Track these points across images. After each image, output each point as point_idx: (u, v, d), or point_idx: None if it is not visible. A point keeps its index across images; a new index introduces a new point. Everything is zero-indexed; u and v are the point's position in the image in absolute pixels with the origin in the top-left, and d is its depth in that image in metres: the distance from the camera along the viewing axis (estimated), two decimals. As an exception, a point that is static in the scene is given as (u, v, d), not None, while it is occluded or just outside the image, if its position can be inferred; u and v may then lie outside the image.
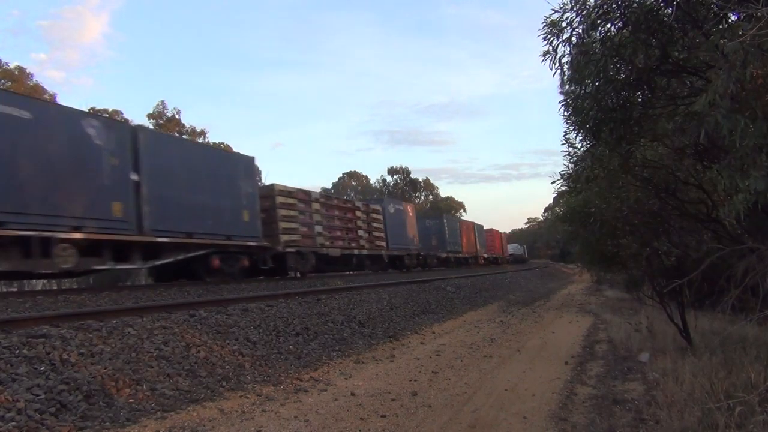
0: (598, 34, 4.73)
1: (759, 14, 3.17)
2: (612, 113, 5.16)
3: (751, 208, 3.63)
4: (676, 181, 6.95)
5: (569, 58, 4.89)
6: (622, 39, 4.64)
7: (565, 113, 5.79)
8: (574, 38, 4.75)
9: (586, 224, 9.90)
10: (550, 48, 4.87)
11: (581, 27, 4.65)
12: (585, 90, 5.15)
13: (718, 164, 3.85)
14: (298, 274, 16.75)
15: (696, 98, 3.66)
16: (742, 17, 3.85)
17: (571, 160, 6.73)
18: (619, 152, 5.52)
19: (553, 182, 7.11)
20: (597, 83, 4.99)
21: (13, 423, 3.89)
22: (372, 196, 67.50)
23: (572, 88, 5.39)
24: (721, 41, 3.74)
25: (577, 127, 5.82)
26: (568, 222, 12.09)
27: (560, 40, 4.80)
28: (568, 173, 6.95)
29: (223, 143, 47.03)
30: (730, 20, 4.19)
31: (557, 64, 4.93)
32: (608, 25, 4.71)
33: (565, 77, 5.13)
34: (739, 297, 5.28)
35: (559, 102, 5.72)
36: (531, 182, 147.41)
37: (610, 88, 4.98)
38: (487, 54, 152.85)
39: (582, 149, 6.37)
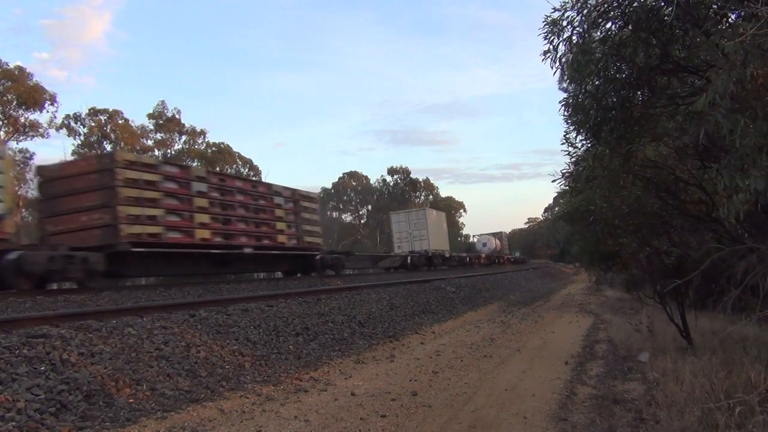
0: (598, 33, 4.73)
1: (759, 13, 3.17)
2: (612, 112, 5.15)
3: (752, 208, 3.63)
4: (677, 181, 6.94)
5: (570, 57, 4.88)
6: (622, 38, 4.63)
7: (566, 113, 5.78)
8: (574, 37, 4.74)
9: (587, 224, 9.88)
10: (551, 47, 4.86)
11: (582, 26, 4.64)
12: (585, 89, 5.14)
13: (718, 164, 3.85)
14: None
15: (696, 98, 3.66)
16: (742, 15, 3.85)
17: (572, 160, 6.71)
18: (620, 152, 5.50)
19: (553, 180, 7.09)
20: (597, 82, 4.98)
21: (13, 423, 3.89)
22: (372, 197, 67.56)
23: (573, 87, 5.38)
24: (722, 41, 3.74)
25: (577, 127, 5.80)
26: (569, 222, 12.07)
27: (561, 39, 4.79)
28: (569, 172, 6.93)
29: (223, 143, 47.16)
30: (730, 20, 4.19)
31: (558, 63, 4.92)
32: (609, 24, 4.71)
33: (566, 76, 5.13)
34: (740, 297, 5.27)
35: (560, 102, 5.71)
36: (532, 182, 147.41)
37: (611, 87, 4.97)
38: (488, 53, 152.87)
39: (582, 149, 6.34)
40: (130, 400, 4.73)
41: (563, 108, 5.67)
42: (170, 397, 4.98)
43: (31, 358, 4.78)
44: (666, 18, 4.45)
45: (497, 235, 55.01)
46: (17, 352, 4.83)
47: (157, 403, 4.79)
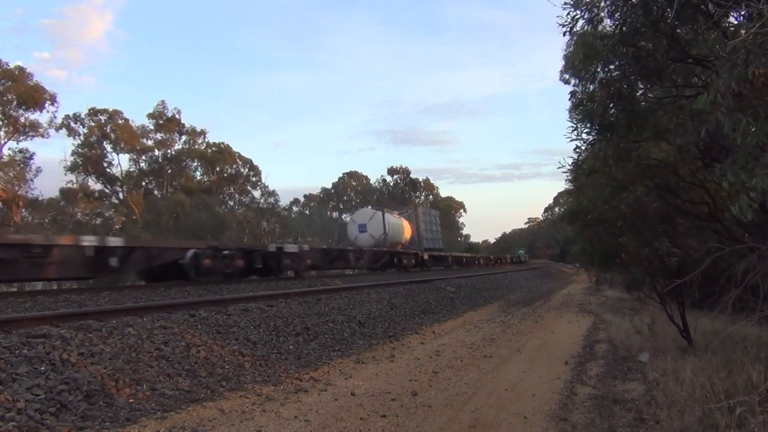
0: (612, 20, 4.77)
1: (762, 12, 3.16)
2: (620, 101, 5.16)
3: (756, 208, 3.63)
4: (679, 181, 6.94)
5: (586, 39, 4.92)
6: (637, 26, 4.65)
7: (572, 101, 5.78)
8: (598, 9, 4.80)
9: (587, 223, 9.87)
10: (570, 19, 4.92)
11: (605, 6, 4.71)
12: (594, 75, 5.16)
13: (720, 163, 3.84)
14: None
15: (699, 96, 3.66)
16: (743, 14, 3.85)
17: (575, 150, 6.66)
18: (625, 146, 5.50)
19: (559, 167, 7.08)
20: (609, 68, 5.02)
21: (13, 423, 3.88)
22: (372, 197, 67.48)
23: (582, 71, 5.37)
24: (723, 41, 3.74)
25: (583, 116, 5.76)
26: (569, 222, 12.03)
27: (579, 12, 4.86)
28: (574, 161, 6.93)
29: (223, 143, 47.15)
30: (732, 18, 4.20)
31: (572, 38, 4.97)
32: (625, 10, 4.73)
33: (578, 60, 5.14)
34: (740, 297, 5.27)
35: (569, 93, 5.73)
36: (532, 182, 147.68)
37: (619, 73, 5.01)
38: (489, 53, 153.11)
39: (588, 139, 6.26)
40: (130, 400, 4.73)
41: (570, 97, 5.69)
42: (170, 397, 4.98)
43: (31, 358, 4.78)
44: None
45: (406, 214, 31.45)
46: (17, 352, 4.83)
47: (157, 403, 4.79)
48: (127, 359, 5.40)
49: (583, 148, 6.26)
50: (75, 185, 37.62)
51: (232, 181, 48.11)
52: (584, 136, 6.02)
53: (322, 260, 19.29)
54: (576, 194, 8.95)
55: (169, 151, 43.94)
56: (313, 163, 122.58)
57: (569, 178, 7.57)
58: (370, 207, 31.07)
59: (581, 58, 5.06)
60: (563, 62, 5.88)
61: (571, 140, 6.15)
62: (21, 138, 32.18)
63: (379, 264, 24.07)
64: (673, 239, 8.02)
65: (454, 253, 39.42)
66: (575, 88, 5.57)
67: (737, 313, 6.26)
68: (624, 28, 4.74)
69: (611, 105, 5.22)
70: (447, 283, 17.61)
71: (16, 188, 29.73)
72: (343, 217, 31.25)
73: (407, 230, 29.86)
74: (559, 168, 7.14)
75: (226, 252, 13.49)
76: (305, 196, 67.21)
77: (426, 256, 29.00)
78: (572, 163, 6.97)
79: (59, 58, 71.71)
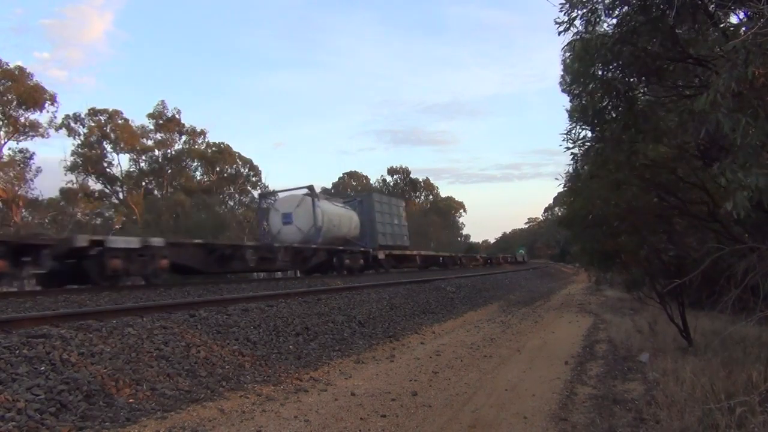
0: (615, 14, 4.78)
1: (764, 12, 3.16)
2: (618, 99, 5.17)
3: (753, 207, 3.63)
4: (678, 181, 6.94)
5: (584, 37, 4.92)
6: (635, 25, 4.65)
7: (570, 99, 5.79)
8: (595, 6, 4.79)
9: (585, 226, 9.87)
10: (567, 19, 4.92)
11: (600, 5, 4.71)
12: (593, 72, 5.16)
13: (719, 163, 3.84)
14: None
15: (699, 96, 3.67)
16: (745, 13, 3.85)
17: (572, 157, 6.66)
18: (623, 147, 5.50)
19: (559, 184, 7.11)
20: (611, 66, 5.02)
21: (13, 423, 3.88)
22: (372, 196, 67.57)
23: (581, 69, 5.37)
24: (723, 42, 3.74)
25: (580, 116, 5.76)
26: (568, 226, 12.03)
27: (579, 12, 4.85)
28: (572, 169, 6.93)
29: (223, 143, 47.14)
30: (734, 17, 4.21)
31: (570, 35, 4.98)
32: (624, 8, 4.73)
33: (576, 59, 5.14)
34: (740, 297, 5.27)
35: (565, 87, 5.72)
36: (532, 182, 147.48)
37: (619, 72, 5.01)
38: (489, 53, 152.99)
39: (585, 141, 6.24)
40: (130, 400, 4.73)
41: (568, 92, 5.68)
42: (170, 397, 4.98)
43: (31, 358, 4.78)
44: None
45: (355, 202, 25.13)
46: (17, 352, 4.82)
47: (157, 403, 4.79)
48: (127, 359, 5.40)
49: (580, 154, 6.25)
50: (75, 185, 37.67)
51: (232, 181, 48.09)
52: (581, 134, 6.02)
53: (202, 260, 13.56)
54: (573, 197, 8.96)
55: (169, 151, 43.96)
56: (313, 163, 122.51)
57: (567, 184, 7.58)
58: (301, 190, 21.73)
59: (580, 55, 5.05)
60: (561, 70, 5.86)
61: (568, 149, 6.15)
62: (21, 138, 32.22)
63: (310, 265, 18.52)
64: (672, 238, 8.02)
65: (425, 251, 32.41)
66: (573, 84, 5.56)
67: (737, 313, 6.27)
68: (623, 27, 4.75)
69: (609, 101, 5.23)
70: (447, 283, 17.63)
71: (16, 188, 29.75)
72: (262, 204, 23.05)
73: (354, 222, 23.43)
74: (559, 185, 7.14)
75: None
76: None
77: (382, 255, 23.20)
78: (571, 170, 6.98)
79: (59, 58, 71.78)
